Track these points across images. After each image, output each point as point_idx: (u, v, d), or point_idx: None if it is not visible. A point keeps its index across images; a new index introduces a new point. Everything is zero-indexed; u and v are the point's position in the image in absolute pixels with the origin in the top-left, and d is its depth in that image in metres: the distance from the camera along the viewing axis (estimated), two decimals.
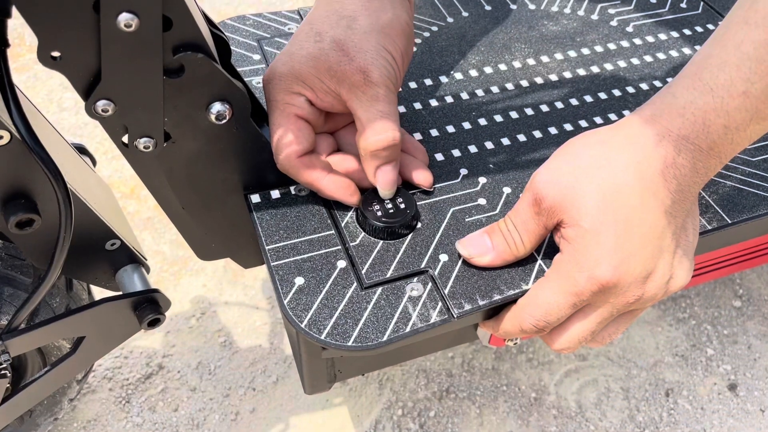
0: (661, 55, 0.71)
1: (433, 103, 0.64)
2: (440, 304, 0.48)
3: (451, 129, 0.61)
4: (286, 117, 0.50)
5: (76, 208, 0.49)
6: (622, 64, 0.70)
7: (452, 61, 0.69)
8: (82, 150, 0.63)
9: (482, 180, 0.57)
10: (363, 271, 0.49)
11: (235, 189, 0.54)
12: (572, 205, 0.45)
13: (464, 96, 0.65)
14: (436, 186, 0.56)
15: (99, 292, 0.65)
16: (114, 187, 1.09)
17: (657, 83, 0.68)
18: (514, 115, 0.63)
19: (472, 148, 0.60)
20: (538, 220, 0.47)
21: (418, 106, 0.63)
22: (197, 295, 0.95)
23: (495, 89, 0.66)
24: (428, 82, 0.66)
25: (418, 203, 0.54)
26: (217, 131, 0.49)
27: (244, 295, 0.95)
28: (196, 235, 0.58)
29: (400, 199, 0.53)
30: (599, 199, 0.44)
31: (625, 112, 0.64)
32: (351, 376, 0.61)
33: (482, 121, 0.62)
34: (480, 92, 0.65)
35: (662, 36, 0.74)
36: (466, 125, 0.62)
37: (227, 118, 0.47)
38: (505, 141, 0.61)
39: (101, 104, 0.43)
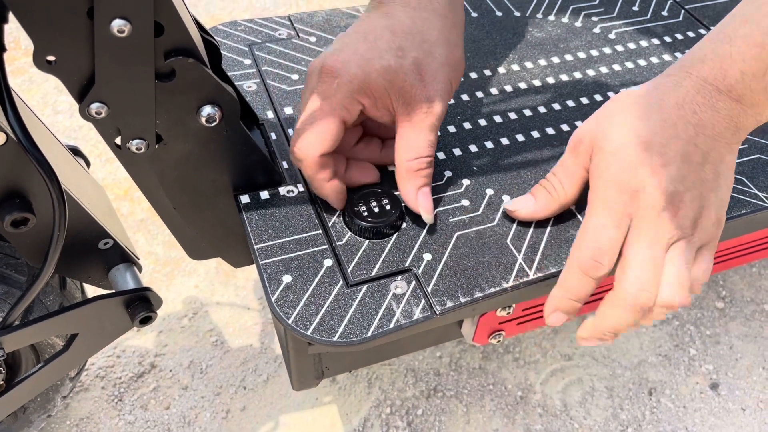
0: (642, 62, 0.73)
1: None
2: (423, 301, 0.50)
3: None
4: (333, 119, 0.50)
5: (69, 208, 0.50)
6: (604, 70, 0.71)
7: None
8: (76, 152, 0.65)
9: (466, 182, 0.59)
10: (349, 270, 0.51)
11: (225, 190, 0.55)
12: (598, 138, 0.50)
13: (450, 100, 0.66)
14: None
15: (92, 291, 0.66)
16: (108, 189, 1.10)
17: (638, 89, 0.69)
18: (498, 119, 0.65)
19: (457, 151, 0.61)
20: (576, 162, 0.52)
21: None
22: (189, 295, 0.96)
23: (480, 94, 0.68)
24: None
25: (403, 204, 0.56)
26: (208, 134, 0.50)
27: (235, 296, 0.97)
28: (187, 234, 0.59)
29: (385, 200, 0.54)
30: (621, 128, 0.49)
31: None
32: (338, 373, 0.62)
33: (467, 125, 0.64)
34: (465, 97, 0.67)
35: (644, 43, 0.76)
36: (451, 129, 0.64)
37: (217, 120, 0.49)
38: (489, 144, 0.62)
39: (95, 107, 0.45)
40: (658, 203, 0.47)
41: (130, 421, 0.83)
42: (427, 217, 0.53)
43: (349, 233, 0.54)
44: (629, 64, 0.72)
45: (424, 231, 0.54)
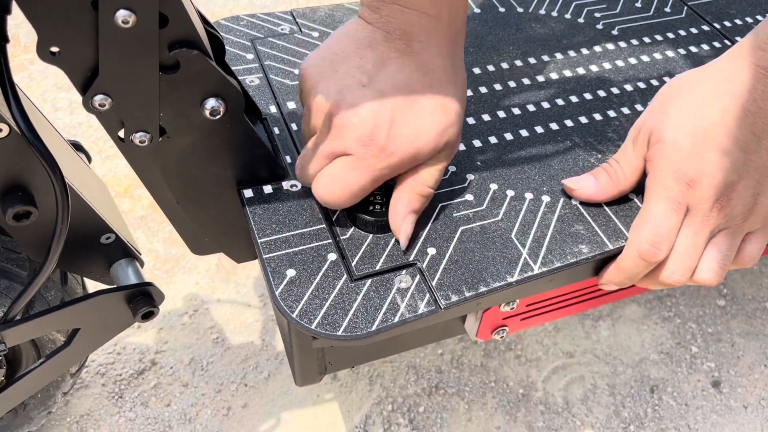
0: (645, 58, 0.73)
1: None
2: (428, 295, 0.49)
3: None
4: (370, 187, 0.50)
5: (72, 202, 0.50)
6: (607, 66, 0.71)
7: None
8: (77, 146, 0.64)
9: (470, 177, 0.59)
10: (353, 264, 0.51)
11: (229, 184, 0.55)
12: (657, 127, 0.51)
13: None
14: None
15: (93, 286, 0.66)
16: (108, 186, 1.10)
17: (641, 84, 0.69)
18: (501, 114, 0.65)
19: (461, 146, 0.61)
20: (635, 151, 0.53)
21: None
22: (190, 292, 0.96)
23: (483, 89, 0.67)
24: None
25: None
26: (211, 127, 0.50)
27: (236, 293, 0.97)
28: (190, 229, 0.59)
29: (389, 195, 0.54)
30: (679, 117, 0.50)
31: (610, 112, 0.66)
32: (341, 368, 0.62)
33: (470, 120, 0.64)
34: (468, 92, 0.67)
35: (646, 39, 0.75)
36: None
37: (221, 114, 0.49)
38: (493, 139, 0.62)
39: (98, 99, 0.44)
40: (712, 196, 0.49)
41: (131, 418, 0.82)
42: (404, 243, 0.52)
43: (353, 227, 0.53)
44: (632, 60, 0.72)
45: (428, 226, 0.54)
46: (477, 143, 0.62)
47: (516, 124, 0.64)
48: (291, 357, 0.58)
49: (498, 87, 0.68)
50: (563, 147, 0.62)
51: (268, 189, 0.56)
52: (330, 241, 0.52)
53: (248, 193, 0.55)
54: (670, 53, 0.74)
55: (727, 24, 0.79)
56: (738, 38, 0.76)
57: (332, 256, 0.51)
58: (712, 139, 0.48)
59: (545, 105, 0.66)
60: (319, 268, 0.50)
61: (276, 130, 0.61)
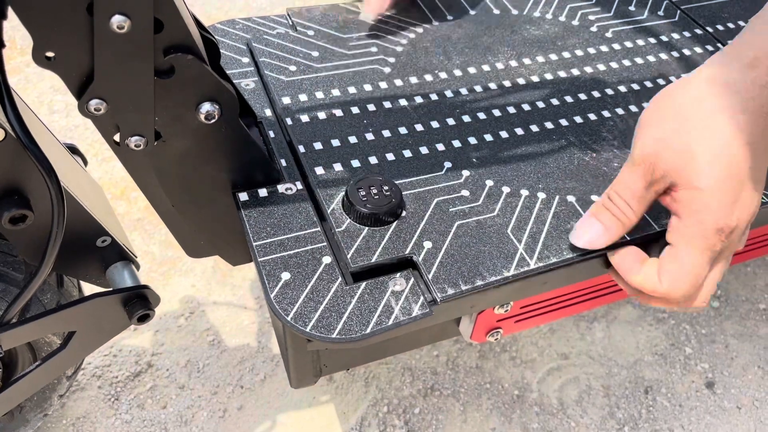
0: (638, 60, 0.73)
1: (418, 99, 0.66)
2: (422, 298, 0.50)
3: (435, 124, 0.63)
4: None
5: (68, 205, 0.50)
6: (601, 67, 0.72)
7: (437, 62, 0.70)
8: (73, 150, 0.65)
9: (465, 173, 0.59)
10: (348, 256, 0.51)
11: (224, 187, 0.55)
12: (685, 168, 0.46)
13: (449, 94, 0.67)
14: (421, 177, 0.58)
15: (89, 289, 0.66)
16: (104, 189, 1.10)
17: (635, 86, 0.70)
18: (497, 113, 0.65)
19: (456, 143, 0.61)
20: (650, 189, 0.49)
21: (403, 102, 0.65)
22: (186, 294, 0.96)
23: (478, 88, 0.68)
24: (413, 80, 0.68)
25: (403, 193, 0.56)
26: (206, 130, 0.50)
27: (232, 295, 0.97)
28: (186, 232, 0.59)
29: (386, 188, 0.54)
30: (711, 158, 0.46)
31: (604, 113, 0.66)
32: (336, 371, 0.62)
33: (466, 118, 0.64)
34: (464, 91, 0.67)
35: (640, 42, 0.76)
36: (450, 121, 0.63)
37: (216, 117, 0.49)
38: (488, 137, 0.62)
39: (94, 103, 0.45)
40: (742, 234, 0.49)
41: (127, 421, 0.82)
42: (367, 10, 0.53)
43: (349, 220, 0.54)
44: (626, 62, 0.73)
45: (424, 220, 0.54)
46: (473, 140, 0.62)
47: (511, 122, 0.64)
48: (286, 359, 0.58)
49: (493, 86, 0.68)
50: (558, 145, 0.62)
51: (263, 192, 0.56)
52: (325, 244, 0.53)
53: (243, 196, 0.56)
54: (663, 56, 0.74)
55: (720, 28, 0.80)
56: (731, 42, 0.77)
57: (327, 259, 0.52)
58: (744, 183, 0.46)
59: (540, 105, 0.66)
60: (313, 271, 0.51)
61: (271, 134, 0.61)
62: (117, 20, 0.40)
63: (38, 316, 0.55)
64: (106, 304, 0.58)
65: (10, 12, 0.40)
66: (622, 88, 0.69)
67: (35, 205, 0.50)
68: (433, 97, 0.66)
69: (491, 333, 0.60)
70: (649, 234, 0.54)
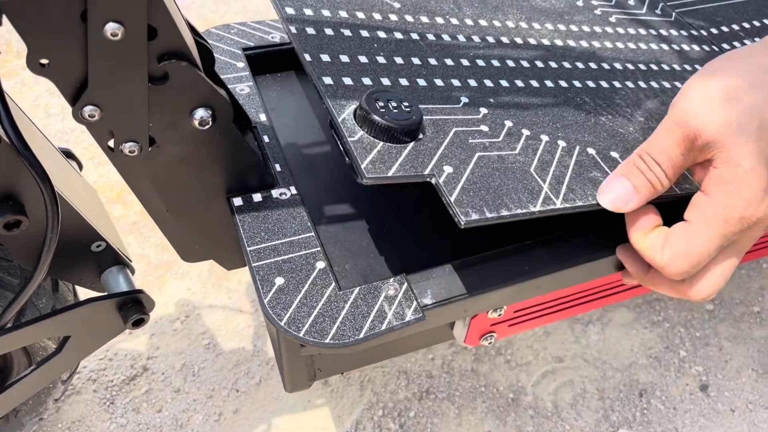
0: (642, 45, 0.72)
1: (430, 37, 0.63)
2: (415, 302, 0.50)
3: (449, 62, 0.60)
4: None
5: (62, 210, 0.50)
6: (608, 44, 0.69)
7: (447, 9, 0.68)
8: (68, 154, 0.65)
9: (483, 110, 0.56)
10: (363, 166, 0.46)
11: (218, 192, 0.56)
12: (734, 144, 0.44)
13: (461, 38, 0.64)
14: (437, 105, 0.54)
15: (84, 294, 0.66)
16: (100, 192, 1.10)
17: (642, 66, 0.68)
18: (510, 63, 0.63)
19: (472, 82, 0.59)
20: (688, 155, 0.46)
21: (415, 36, 0.62)
22: (182, 298, 0.96)
23: (491, 39, 0.65)
24: (425, 19, 0.65)
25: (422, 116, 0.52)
26: (201, 136, 0.50)
27: (228, 299, 0.97)
28: (180, 237, 0.59)
29: (405, 103, 0.51)
30: (759, 137, 0.43)
31: (615, 83, 0.65)
32: (330, 375, 0.62)
33: (480, 63, 0.62)
34: (477, 39, 0.65)
35: (642, 30, 0.75)
36: (465, 62, 0.61)
37: (210, 123, 0.49)
38: (504, 83, 0.60)
39: (88, 110, 0.45)
40: (761, 233, 0.47)
41: (122, 425, 0.83)
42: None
43: (362, 132, 0.49)
44: (631, 45, 0.72)
45: (443, 146, 0.50)
46: (488, 83, 0.60)
47: (526, 74, 0.62)
48: (280, 364, 0.58)
49: (505, 40, 0.66)
50: (575, 103, 0.60)
51: (257, 197, 0.56)
52: (318, 249, 0.53)
53: (238, 201, 0.56)
54: (664, 46, 0.74)
55: (714, 31, 0.80)
56: (725, 45, 0.77)
57: (321, 264, 0.52)
58: None
59: (553, 64, 0.64)
60: (307, 276, 0.51)
61: (266, 138, 0.61)
62: (111, 27, 0.40)
63: (33, 320, 0.55)
64: (101, 309, 0.58)
65: (5, 21, 0.40)
66: (630, 66, 0.68)
67: (30, 210, 0.50)
68: (446, 38, 0.63)
69: (485, 337, 0.61)
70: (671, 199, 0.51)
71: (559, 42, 0.68)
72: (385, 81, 0.54)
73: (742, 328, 0.98)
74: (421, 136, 0.50)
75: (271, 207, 0.56)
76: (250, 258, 0.52)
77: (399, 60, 0.57)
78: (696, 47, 0.76)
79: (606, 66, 0.67)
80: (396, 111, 0.49)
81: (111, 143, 0.48)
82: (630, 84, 0.65)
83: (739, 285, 1.04)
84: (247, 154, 0.54)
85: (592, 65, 0.66)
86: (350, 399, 0.87)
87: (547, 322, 0.65)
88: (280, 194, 0.57)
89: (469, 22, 0.66)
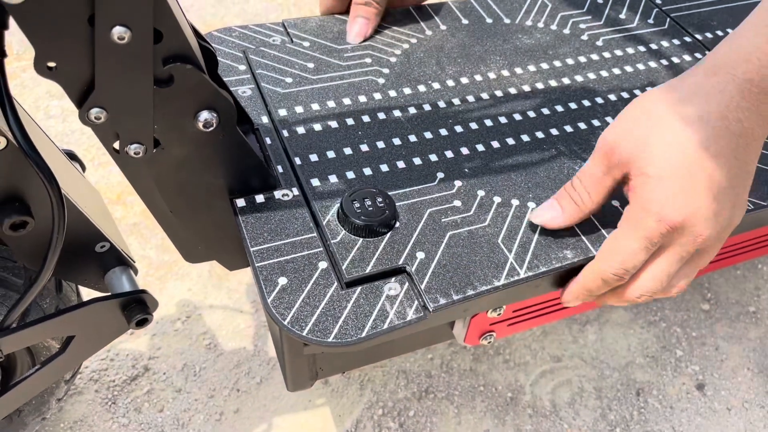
0: (628, 68, 0.74)
1: (412, 110, 0.67)
2: (416, 302, 0.51)
3: (428, 135, 0.64)
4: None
5: (68, 211, 0.51)
6: (591, 76, 0.73)
7: (430, 72, 0.72)
8: (72, 156, 0.65)
9: (458, 183, 0.60)
10: (343, 267, 0.52)
11: (221, 193, 0.56)
12: (640, 156, 0.48)
13: (441, 104, 0.68)
14: (414, 187, 0.59)
15: (87, 294, 0.67)
16: (101, 193, 1.10)
17: (624, 95, 0.71)
18: (488, 123, 0.66)
19: (449, 153, 0.63)
20: (607, 174, 0.51)
21: (397, 113, 0.66)
22: (183, 298, 0.97)
23: (471, 98, 0.69)
24: (407, 90, 0.69)
25: (396, 204, 0.57)
26: (205, 138, 0.51)
27: (228, 299, 0.97)
28: (183, 237, 0.60)
29: (379, 199, 0.56)
30: (664, 149, 0.47)
31: (594, 121, 0.67)
32: (332, 374, 0.63)
33: (458, 128, 0.65)
34: (456, 101, 0.68)
35: (630, 50, 0.77)
36: (443, 132, 0.65)
37: (214, 126, 0.50)
38: (480, 147, 0.64)
39: (94, 112, 0.46)
40: (690, 242, 0.49)
41: (124, 424, 0.83)
42: (351, 38, 0.62)
43: (344, 232, 0.55)
44: (616, 71, 0.74)
45: (417, 231, 0.55)
46: (465, 151, 0.63)
47: (503, 132, 0.65)
48: (282, 363, 0.59)
49: (485, 96, 0.69)
50: (549, 155, 0.64)
51: (260, 198, 0.57)
52: (321, 249, 0.54)
53: (240, 202, 0.56)
54: (653, 64, 0.76)
55: (709, 35, 0.81)
56: None
57: (323, 264, 0.53)
58: (698, 180, 0.46)
59: (531, 114, 0.68)
60: (310, 276, 0.52)
61: (268, 140, 0.62)
62: (118, 31, 0.41)
63: (38, 320, 0.56)
64: (104, 309, 0.58)
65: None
66: (612, 97, 0.71)
67: (36, 211, 0.51)
68: (426, 107, 0.67)
69: (484, 336, 0.61)
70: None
71: (540, 85, 0.71)
72: (367, 171, 0.60)
73: (738, 328, 0.99)
74: (397, 224, 0.56)
75: (274, 208, 0.56)
76: (253, 258, 0.53)
77: (381, 144, 0.63)
78: (688, 57, 0.77)
79: (587, 103, 0.69)
80: (371, 209, 0.55)
81: (116, 145, 0.49)
82: (610, 119, 0.68)
83: (735, 285, 1.05)
84: (249, 156, 0.54)
85: (572, 106, 0.69)
86: (350, 398, 0.87)
87: (546, 322, 0.66)
88: (283, 195, 0.57)
89: (450, 83, 0.71)
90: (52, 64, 0.43)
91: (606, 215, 0.57)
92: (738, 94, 0.46)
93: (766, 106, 0.46)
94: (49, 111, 1.26)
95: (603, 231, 0.56)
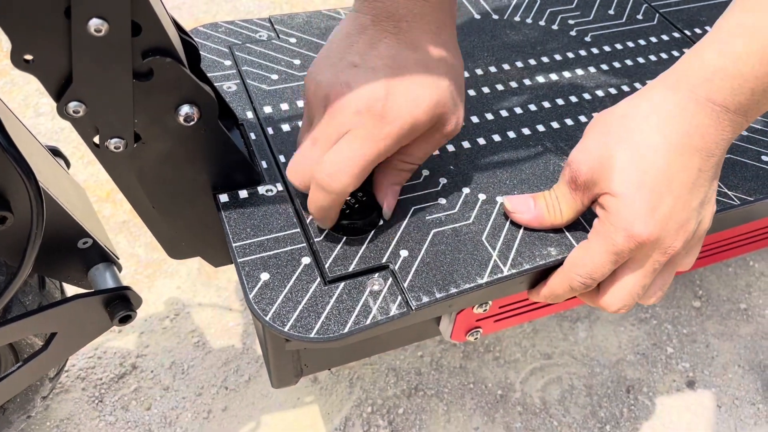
0: (616, 64, 0.74)
1: None
2: (400, 297, 0.50)
3: None
4: (374, 161, 0.49)
5: (48, 207, 0.51)
6: (579, 72, 0.73)
7: None
8: (55, 152, 0.65)
9: (443, 180, 0.60)
10: (326, 266, 0.52)
11: (204, 189, 0.56)
12: (604, 176, 0.49)
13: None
14: None
15: (72, 291, 0.66)
16: (89, 191, 1.10)
17: (612, 90, 0.71)
18: (475, 119, 0.66)
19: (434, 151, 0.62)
20: (575, 195, 0.52)
21: None
22: (171, 296, 0.97)
23: None
24: None
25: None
26: (186, 133, 0.51)
27: (217, 297, 0.97)
28: (167, 233, 0.59)
29: (364, 197, 0.55)
30: (628, 166, 0.48)
31: (581, 117, 0.67)
32: (317, 371, 0.63)
33: None
34: None
35: (618, 46, 0.77)
36: None
37: (195, 120, 0.49)
38: (466, 144, 0.63)
39: (72, 106, 0.45)
40: (660, 255, 0.49)
41: (111, 422, 0.83)
42: (387, 213, 0.55)
43: (327, 230, 0.54)
44: (604, 66, 0.74)
45: (401, 228, 0.55)
46: (450, 147, 0.63)
47: (489, 129, 0.65)
48: (267, 360, 0.59)
49: (472, 93, 0.69)
50: (535, 152, 0.63)
51: (243, 194, 0.56)
52: (304, 244, 0.53)
53: (224, 197, 0.56)
54: (641, 59, 0.75)
55: (698, 31, 0.81)
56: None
57: (306, 260, 0.52)
58: (663, 195, 0.47)
59: (518, 110, 0.67)
60: (292, 272, 0.51)
61: (252, 136, 0.62)
62: (94, 23, 0.40)
63: (19, 317, 0.55)
64: (87, 305, 0.58)
65: None
66: (600, 93, 0.70)
67: (15, 206, 0.51)
68: None
69: (471, 332, 0.61)
70: None
71: (527, 81, 0.71)
72: None
73: (728, 325, 0.99)
74: (381, 222, 0.55)
75: (258, 203, 0.56)
76: (235, 254, 0.52)
77: None
78: (677, 53, 0.77)
79: (574, 99, 0.69)
80: (355, 206, 0.54)
81: (96, 139, 0.48)
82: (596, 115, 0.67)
83: (726, 282, 1.05)
84: (233, 151, 0.54)
85: (559, 101, 0.69)
86: (339, 396, 0.87)
87: (533, 318, 0.65)
88: (267, 191, 0.57)
89: None
90: (28, 57, 0.42)
91: (592, 215, 0.57)
92: (700, 111, 0.46)
93: (727, 121, 0.47)
94: (39, 108, 1.26)
95: (588, 227, 0.56)
